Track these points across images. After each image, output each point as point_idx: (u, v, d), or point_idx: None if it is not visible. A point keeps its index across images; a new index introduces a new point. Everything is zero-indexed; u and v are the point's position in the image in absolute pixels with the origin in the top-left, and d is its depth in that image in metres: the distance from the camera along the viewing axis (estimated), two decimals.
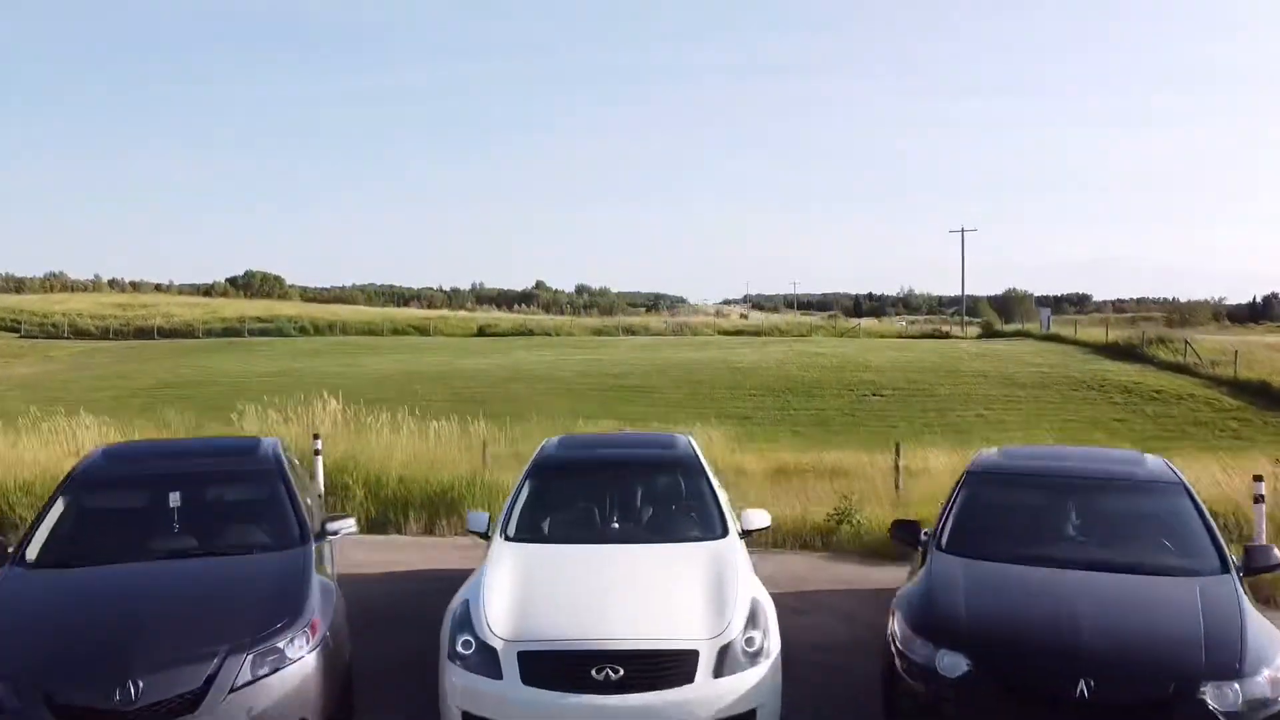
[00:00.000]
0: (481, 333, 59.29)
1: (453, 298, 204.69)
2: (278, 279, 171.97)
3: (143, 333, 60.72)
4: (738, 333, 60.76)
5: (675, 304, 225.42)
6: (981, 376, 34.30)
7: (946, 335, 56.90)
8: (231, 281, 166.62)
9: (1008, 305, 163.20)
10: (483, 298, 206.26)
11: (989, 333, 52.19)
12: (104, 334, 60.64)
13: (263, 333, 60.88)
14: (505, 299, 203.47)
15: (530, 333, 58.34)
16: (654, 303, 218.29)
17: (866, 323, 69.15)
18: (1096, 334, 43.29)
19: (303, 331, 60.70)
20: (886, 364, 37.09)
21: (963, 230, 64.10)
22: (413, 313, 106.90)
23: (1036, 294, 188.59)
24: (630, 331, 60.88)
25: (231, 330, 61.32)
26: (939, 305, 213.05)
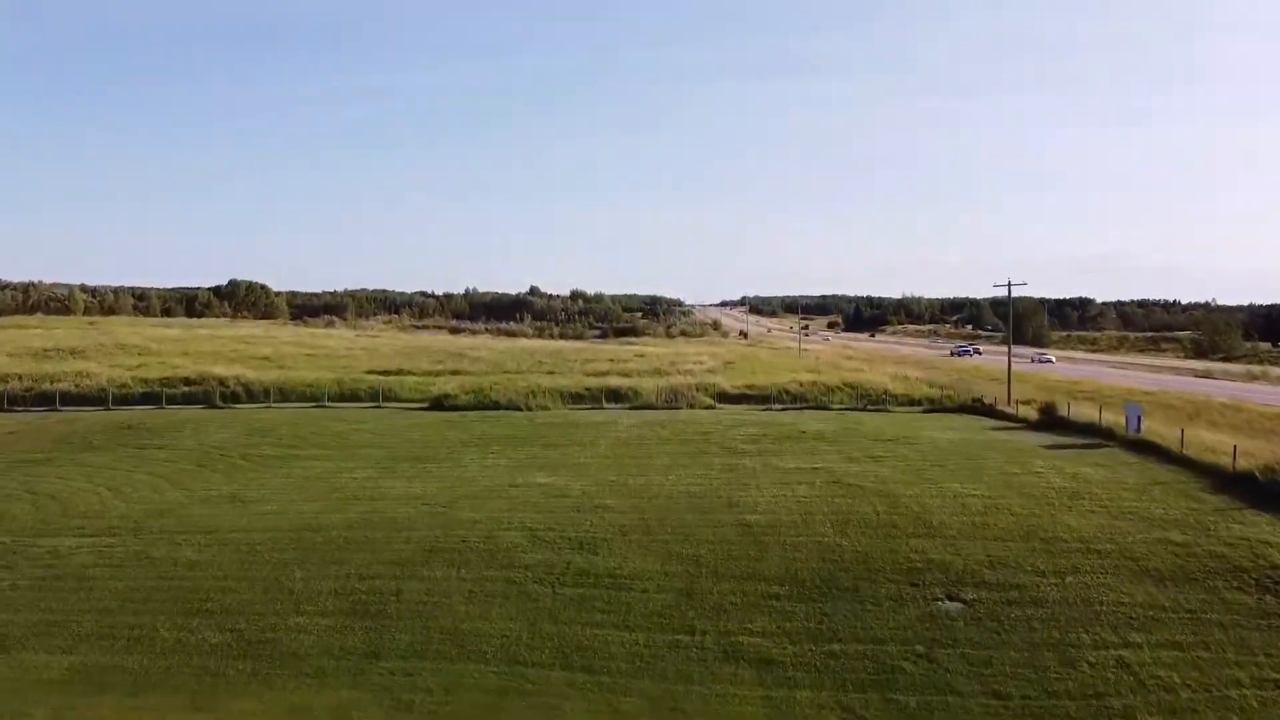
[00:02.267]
0: (439, 405, 48.09)
1: (445, 303, 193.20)
2: (264, 288, 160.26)
3: (45, 399, 49.78)
4: (740, 398, 49.82)
5: (672, 307, 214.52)
6: (1094, 552, 23.18)
7: (992, 409, 45.67)
8: (215, 291, 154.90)
9: (1016, 314, 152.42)
10: (475, 303, 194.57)
11: (1051, 420, 40.17)
12: (2, 401, 49.73)
13: (186, 399, 49.94)
14: (500, 304, 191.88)
15: (496, 405, 47.18)
16: (650, 305, 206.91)
17: (892, 378, 58.05)
18: (1214, 446, 31.68)
19: (231, 399, 49.61)
20: (951, 517, 25.97)
21: (1009, 283, 52.86)
22: (382, 343, 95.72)
23: (1037, 295, 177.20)
24: (616, 395, 49.94)
25: (151, 396, 50.20)
26: (940, 312, 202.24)
